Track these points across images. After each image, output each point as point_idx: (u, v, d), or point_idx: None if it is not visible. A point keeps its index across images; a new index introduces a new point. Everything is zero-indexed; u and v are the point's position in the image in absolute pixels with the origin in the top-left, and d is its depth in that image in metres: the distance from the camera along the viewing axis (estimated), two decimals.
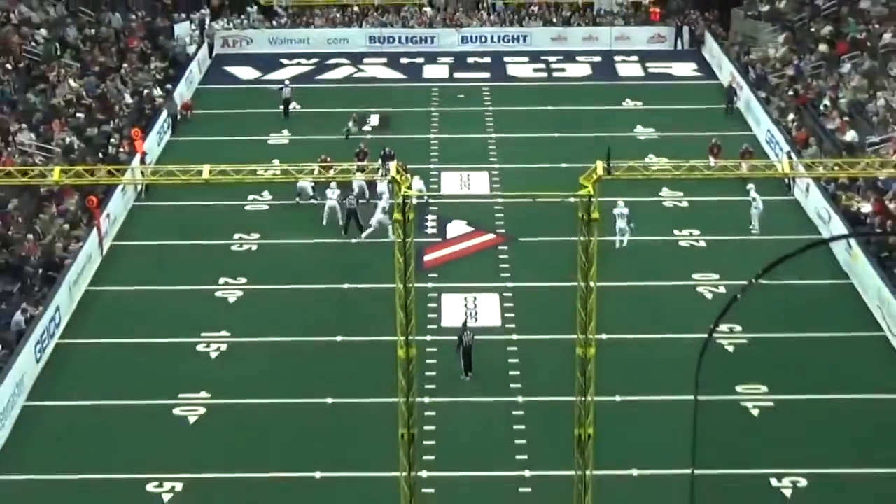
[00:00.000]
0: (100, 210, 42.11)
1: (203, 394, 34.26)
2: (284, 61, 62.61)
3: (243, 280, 40.28)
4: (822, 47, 55.61)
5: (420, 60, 63.04)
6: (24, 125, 46.68)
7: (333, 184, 43.12)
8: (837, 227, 41.19)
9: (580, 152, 43.85)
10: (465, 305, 38.69)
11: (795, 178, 44.28)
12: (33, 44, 54.09)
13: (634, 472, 30.89)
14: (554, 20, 65.62)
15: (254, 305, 39.05)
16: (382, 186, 43.97)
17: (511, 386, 34.53)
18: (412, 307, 25.81)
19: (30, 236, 40.05)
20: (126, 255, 42.43)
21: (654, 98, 56.80)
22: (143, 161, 46.25)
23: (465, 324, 35.56)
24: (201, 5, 65.51)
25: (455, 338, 34.89)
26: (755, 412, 33.36)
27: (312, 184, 44.43)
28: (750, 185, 42.84)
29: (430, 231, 43.49)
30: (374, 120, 53.60)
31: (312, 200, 44.84)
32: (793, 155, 45.94)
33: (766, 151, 49.39)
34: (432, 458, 31.04)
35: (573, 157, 45.14)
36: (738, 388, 34.06)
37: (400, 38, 64.74)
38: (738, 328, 36.47)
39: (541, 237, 42.07)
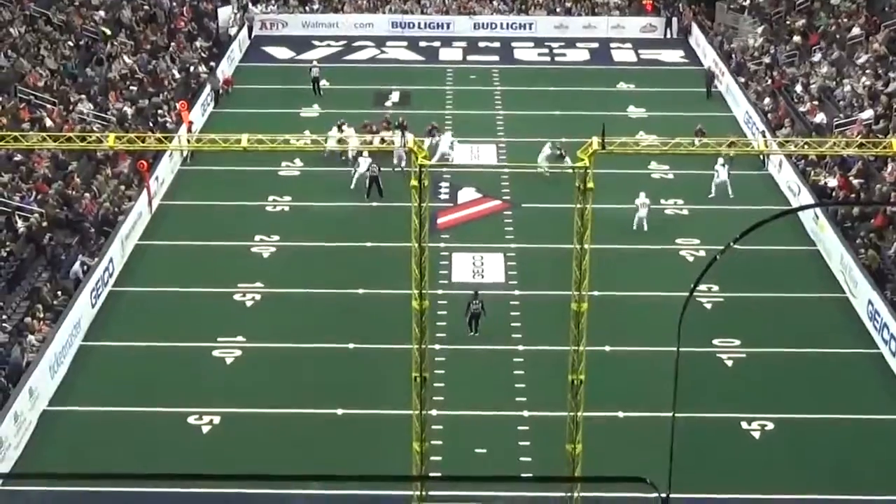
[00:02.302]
0: (149, 173, 42.14)
1: (239, 338, 34.36)
2: (315, 43, 62.36)
3: (276, 237, 40.32)
4: (796, 38, 55.31)
5: (437, 44, 62.76)
6: (83, 96, 46.66)
7: (366, 153, 43.04)
8: (806, 198, 41.09)
9: (578, 128, 43.51)
10: (474, 267, 38.67)
11: (770, 154, 44.15)
12: (92, 23, 53.97)
13: (621, 413, 30.96)
14: (557, 10, 65.27)
15: (285, 260, 39.09)
16: (400, 152, 43.89)
17: (513, 336, 34.59)
18: (426, 264, 25.82)
19: (87, 195, 40.13)
20: (172, 214, 42.46)
21: (646, 81, 56.54)
22: (189, 130, 46.16)
23: (476, 293, 34.80)
24: None
25: (466, 299, 34.66)
26: (729, 363, 33.40)
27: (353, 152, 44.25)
28: (720, 159, 42.69)
29: (443, 197, 43.42)
30: (396, 97, 53.43)
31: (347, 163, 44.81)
32: (767, 134, 45.80)
33: (745, 131, 49.18)
34: (441, 398, 31.13)
35: (572, 132, 44.85)
36: (715, 342, 34.10)
37: (419, 23, 64.43)
38: (716, 288, 36.47)
39: (542, 204, 42.00)
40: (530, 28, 64.26)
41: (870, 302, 34.77)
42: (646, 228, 40.38)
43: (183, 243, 40.22)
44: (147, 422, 30.71)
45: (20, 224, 37.03)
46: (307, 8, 65.61)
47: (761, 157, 45.31)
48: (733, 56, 57.47)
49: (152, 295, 37.05)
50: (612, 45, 62.69)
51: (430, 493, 27.57)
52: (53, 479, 28.84)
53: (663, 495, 16.04)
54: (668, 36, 63.99)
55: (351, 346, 34.08)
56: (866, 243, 37.49)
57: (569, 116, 50.31)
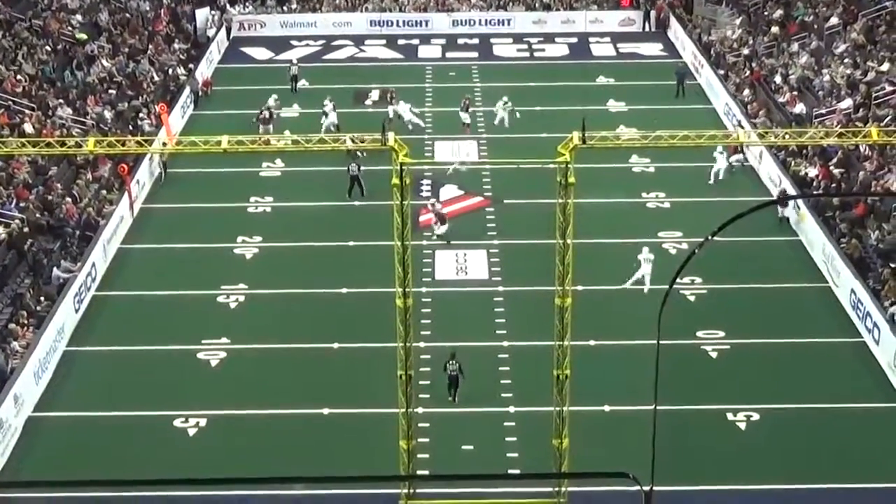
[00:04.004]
0: (130, 176, 42.07)
1: (223, 340, 34.34)
2: (294, 43, 62.32)
3: (259, 238, 40.31)
4: (775, 29, 55.48)
5: (416, 42, 62.78)
6: (62, 101, 46.54)
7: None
8: (787, 189, 41.18)
9: (558, 124, 43.73)
10: (457, 264, 38.72)
11: (749, 145, 44.27)
12: (70, 28, 53.84)
13: (606, 407, 31.03)
14: (535, 5, 65.35)
15: (268, 261, 39.08)
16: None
17: (497, 332, 34.62)
18: (409, 262, 25.85)
19: (68, 200, 40.03)
20: (154, 217, 42.41)
21: (625, 75, 56.62)
22: (168, 134, 45.78)
23: (453, 354, 31.56)
24: None
25: (443, 359, 31.98)
26: (713, 354, 33.50)
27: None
28: (718, 146, 43.00)
29: (425, 194, 43.45)
30: (375, 95, 53.40)
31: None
32: (744, 124, 45.93)
33: (725, 122, 49.30)
34: (427, 396, 31.15)
35: (552, 128, 44.98)
36: (699, 333, 34.20)
37: (397, 21, 64.45)
38: (699, 280, 36.57)
39: (523, 200, 42.01)
40: (509, 24, 64.33)
41: (852, 291, 34.91)
42: (648, 286, 36.54)
43: (165, 246, 40.16)
44: (133, 426, 30.66)
45: (1, 230, 36.93)
46: (285, 8, 65.58)
47: (740, 148, 45.40)
48: (712, 48, 57.63)
49: (136, 299, 36.99)
50: (591, 39, 62.76)
51: (418, 490, 27.62)
52: (38, 486, 28.76)
53: (646, 488, 16.08)
54: (647, 29, 64.11)
55: (336, 345, 34.08)
56: (847, 232, 37.63)
57: (549, 112, 50.34)
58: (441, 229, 40.10)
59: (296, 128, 45.32)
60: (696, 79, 54.96)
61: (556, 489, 27.46)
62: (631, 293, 36.13)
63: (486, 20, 64.45)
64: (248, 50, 61.65)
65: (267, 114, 48.53)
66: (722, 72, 53.92)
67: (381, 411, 29.82)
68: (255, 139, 27.90)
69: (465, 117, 49.19)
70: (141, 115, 48.39)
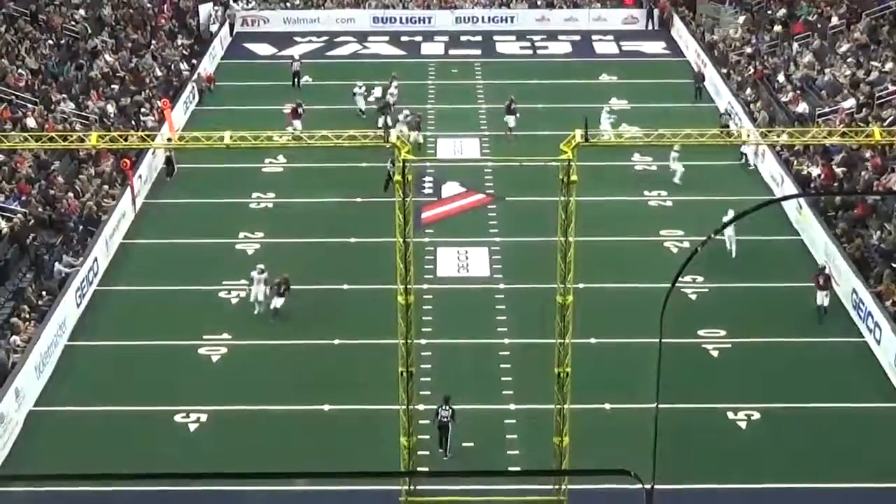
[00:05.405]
0: (133, 171, 42.07)
1: (225, 335, 34.35)
2: (297, 39, 62.32)
3: (260, 234, 40.32)
4: (778, 28, 55.50)
5: (418, 39, 62.78)
6: (64, 95, 46.55)
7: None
8: (789, 188, 41.21)
9: (561, 121, 43.66)
10: (459, 261, 38.72)
11: (749, 144, 44.25)
12: (73, 22, 53.84)
13: (607, 406, 31.03)
14: (538, 3, 65.35)
15: (270, 257, 39.01)
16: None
17: (498, 329, 34.62)
18: (411, 259, 25.86)
19: (70, 195, 40.07)
20: (156, 212, 42.41)
21: (628, 73, 56.60)
22: (171, 130, 45.55)
23: (446, 398, 29.40)
24: None
25: (435, 406, 29.95)
26: (714, 353, 33.50)
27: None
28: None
29: (427, 191, 43.46)
30: (378, 92, 53.38)
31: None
32: (740, 116, 45.92)
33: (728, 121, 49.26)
34: (428, 393, 31.13)
35: (554, 125, 44.89)
36: (700, 332, 34.19)
37: (400, 18, 64.49)
38: (701, 279, 36.55)
39: (525, 197, 42.03)
40: (512, 21, 64.35)
41: (854, 291, 34.89)
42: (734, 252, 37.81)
43: (167, 241, 40.16)
44: (134, 421, 30.66)
45: (3, 225, 36.95)
46: (288, 4, 65.59)
47: (742, 147, 45.35)
48: (715, 47, 57.60)
49: (137, 294, 37.00)
50: (594, 37, 62.75)
51: (419, 487, 27.64)
52: (40, 480, 28.78)
53: (647, 487, 16.10)
54: (650, 27, 64.11)
55: (336, 341, 34.08)
56: (847, 232, 37.59)
57: (551, 109, 50.34)
58: (277, 303, 35.39)
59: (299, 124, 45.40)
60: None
61: (557, 486, 27.48)
62: (632, 292, 36.12)
63: (489, 17, 64.47)
64: (252, 46, 61.64)
65: (292, 109, 47.93)
66: (725, 71, 53.87)
67: (382, 408, 29.82)
68: (257, 135, 27.88)
69: (511, 120, 47.97)
70: (143, 110, 48.41)
